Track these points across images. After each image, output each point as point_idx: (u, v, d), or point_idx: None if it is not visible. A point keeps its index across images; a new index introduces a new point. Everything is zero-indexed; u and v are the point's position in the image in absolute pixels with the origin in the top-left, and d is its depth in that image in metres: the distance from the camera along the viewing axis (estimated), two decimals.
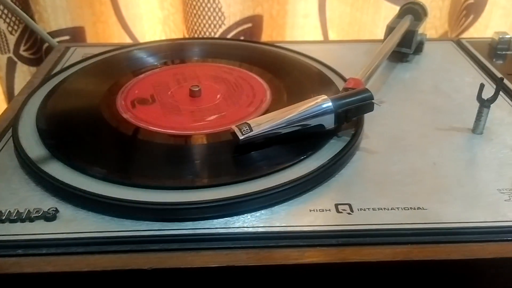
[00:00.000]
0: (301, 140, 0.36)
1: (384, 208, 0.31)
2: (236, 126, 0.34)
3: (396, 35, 0.48)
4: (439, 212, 0.31)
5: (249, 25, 0.68)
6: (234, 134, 0.34)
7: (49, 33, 0.66)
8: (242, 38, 0.68)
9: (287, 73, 0.47)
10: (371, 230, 0.30)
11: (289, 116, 0.34)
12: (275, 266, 0.28)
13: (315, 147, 0.35)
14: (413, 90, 0.46)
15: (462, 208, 0.31)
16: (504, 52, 0.53)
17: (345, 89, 0.38)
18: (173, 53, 0.51)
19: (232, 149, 0.35)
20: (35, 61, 0.72)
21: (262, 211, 0.31)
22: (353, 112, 0.36)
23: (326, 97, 0.35)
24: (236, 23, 0.67)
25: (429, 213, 0.31)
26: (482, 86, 0.38)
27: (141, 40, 0.78)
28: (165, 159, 0.35)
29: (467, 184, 0.34)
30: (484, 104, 0.38)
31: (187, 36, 0.71)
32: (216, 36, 0.67)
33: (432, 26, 0.73)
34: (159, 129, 0.37)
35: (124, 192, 0.31)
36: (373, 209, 0.31)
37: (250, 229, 0.30)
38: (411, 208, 0.32)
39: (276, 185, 0.31)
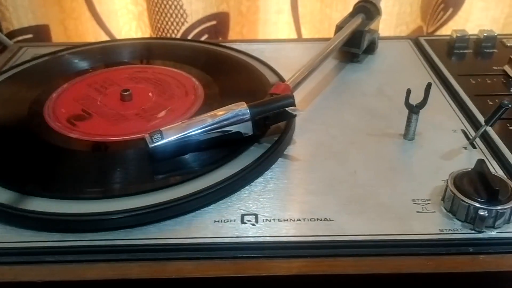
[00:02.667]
0: (221, 146, 0.35)
1: (290, 219, 0.31)
2: (148, 133, 0.34)
3: (340, 35, 0.47)
4: (344, 224, 0.30)
5: (213, 22, 0.68)
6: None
7: (12, 32, 0.66)
8: (206, 36, 0.68)
9: (217, 69, 0.46)
10: (269, 242, 0.29)
11: (203, 124, 0.34)
12: (167, 280, 0.28)
13: (232, 154, 0.35)
14: (355, 92, 0.45)
15: (369, 220, 0.31)
16: (462, 51, 0.52)
17: (270, 95, 0.37)
18: (82, 60, 0.49)
19: (147, 157, 0.34)
20: None
21: (167, 222, 0.31)
22: (272, 119, 0.35)
23: (244, 104, 0.35)
24: (199, 21, 0.66)
25: (334, 225, 0.30)
26: (409, 91, 0.36)
27: (117, 36, 0.78)
28: (81, 170, 0.35)
29: (382, 194, 0.33)
30: (413, 110, 0.37)
31: (153, 35, 0.71)
32: (179, 34, 0.66)
33: (403, 22, 0.71)
34: (120, 138, 0.37)
35: (23, 202, 0.31)
36: (279, 220, 0.31)
37: (148, 241, 0.29)
38: (317, 219, 0.31)
39: (177, 198, 0.31)
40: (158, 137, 0.33)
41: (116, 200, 0.31)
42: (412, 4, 0.70)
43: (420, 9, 0.73)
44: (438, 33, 0.80)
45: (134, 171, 0.34)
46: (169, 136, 0.33)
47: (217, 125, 0.34)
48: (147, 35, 0.75)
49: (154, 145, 0.33)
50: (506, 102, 0.33)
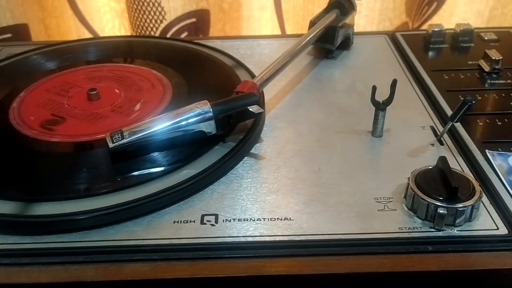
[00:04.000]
0: (185, 145, 0.35)
1: (250, 219, 0.31)
2: (109, 133, 0.33)
3: (313, 31, 0.46)
4: (304, 224, 0.30)
5: (193, 20, 0.67)
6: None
7: None
8: (186, 33, 0.67)
9: (184, 64, 0.46)
10: (227, 243, 0.29)
11: (165, 124, 0.33)
12: (122, 282, 0.28)
13: (195, 154, 0.34)
14: (327, 89, 0.45)
15: (330, 219, 0.30)
16: (438, 46, 0.51)
17: (236, 93, 0.37)
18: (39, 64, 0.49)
19: (108, 157, 0.34)
20: None
21: (126, 223, 0.30)
22: (235, 117, 0.35)
23: (207, 102, 0.34)
24: (178, 18, 0.66)
25: (294, 224, 0.30)
26: (374, 88, 0.36)
27: (101, 34, 0.77)
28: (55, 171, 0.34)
29: (345, 193, 0.32)
30: (380, 107, 0.37)
31: (133, 33, 0.70)
32: (158, 32, 0.66)
33: (386, 18, 0.70)
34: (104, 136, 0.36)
35: None
36: (239, 220, 0.31)
37: (105, 243, 0.29)
38: (277, 219, 0.31)
39: (135, 199, 0.30)
40: (118, 137, 0.33)
41: (74, 202, 0.31)
42: (395, 0, 0.70)
43: (405, 5, 0.72)
44: (423, 28, 0.79)
45: (94, 171, 0.34)
46: (130, 136, 0.33)
47: (179, 124, 0.34)
48: (130, 33, 0.75)
49: (114, 145, 0.33)
50: (469, 98, 0.33)
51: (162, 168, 0.33)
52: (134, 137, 0.33)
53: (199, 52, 0.49)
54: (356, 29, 0.71)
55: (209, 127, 0.34)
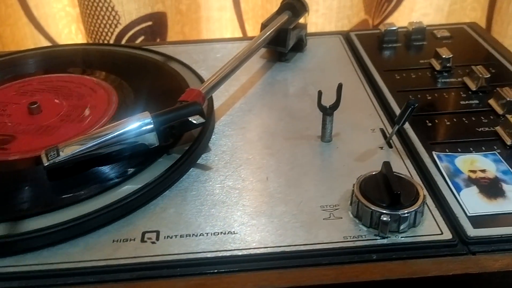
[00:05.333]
0: (126, 159, 0.34)
1: (193, 235, 0.30)
2: (45, 150, 0.32)
3: (263, 34, 0.46)
4: (248, 237, 0.29)
5: (149, 23, 0.65)
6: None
7: None
8: (142, 38, 0.66)
9: (127, 71, 0.45)
10: (167, 261, 0.28)
11: (102, 138, 0.32)
12: None
13: (137, 168, 0.33)
14: (279, 93, 0.44)
15: (274, 230, 0.30)
16: (391, 45, 0.51)
17: (180, 102, 0.36)
18: None
19: (45, 175, 0.33)
20: None
21: (62, 245, 0.29)
22: (178, 128, 0.34)
23: (147, 114, 0.33)
24: (133, 22, 0.64)
25: (238, 238, 0.29)
26: (320, 93, 0.36)
27: (57, 40, 0.75)
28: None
29: (291, 202, 0.32)
30: (327, 112, 0.36)
31: (88, 38, 0.68)
32: (113, 37, 0.64)
33: (344, 16, 0.70)
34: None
35: None
36: (181, 236, 0.30)
37: (39, 267, 0.28)
38: (221, 233, 0.30)
39: (71, 219, 0.29)
40: (54, 154, 0.31)
41: (6, 224, 0.29)
42: None
43: (363, 2, 0.72)
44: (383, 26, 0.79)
45: (29, 191, 0.32)
46: (66, 153, 0.32)
47: (119, 138, 0.32)
48: (86, 39, 0.73)
49: (49, 163, 0.31)
50: (412, 101, 0.33)
51: (101, 185, 0.32)
52: (71, 153, 0.32)
53: (144, 57, 0.48)
54: (314, 28, 0.71)
55: (151, 139, 0.33)
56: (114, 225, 0.30)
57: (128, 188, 0.32)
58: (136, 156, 0.34)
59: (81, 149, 0.32)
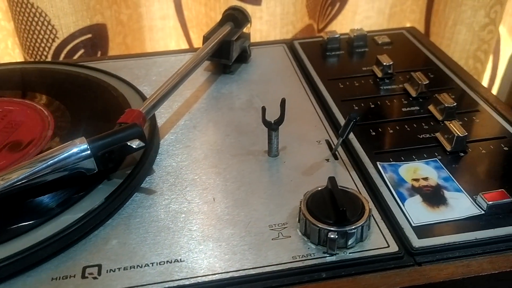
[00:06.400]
0: (63, 187, 0.32)
1: (137, 266, 0.28)
2: None
3: (206, 47, 0.45)
4: (195, 264, 0.28)
5: (89, 36, 0.63)
6: None
7: None
8: (82, 51, 0.63)
9: (60, 90, 0.43)
10: None
11: (35, 169, 0.30)
12: None
13: (75, 197, 0.31)
14: (224, 107, 0.43)
15: (222, 255, 0.29)
16: (334, 53, 0.51)
17: (119, 124, 0.35)
18: None
19: None
20: None
21: None
22: (117, 153, 0.32)
23: (83, 139, 0.32)
24: (71, 36, 0.61)
25: (185, 266, 0.28)
26: (264, 109, 0.35)
27: None
28: None
29: (239, 223, 0.31)
30: (272, 127, 0.36)
31: (25, 54, 0.65)
32: (51, 51, 0.61)
33: (288, 22, 0.70)
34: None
35: None
36: (125, 268, 0.28)
37: None
38: (167, 262, 0.29)
39: (1, 258, 0.27)
40: None
41: None
42: (296, 3, 0.69)
43: (306, 8, 0.72)
44: (329, 28, 0.80)
45: None
46: None
47: (54, 166, 0.30)
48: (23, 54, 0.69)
49: None
50: (353, 114, 0.33)
51: (36, 218, 0.30)
52: (1, 186, 0.30)
53: (82, 75, 0.45)
54: (259, 35, 0.71)
55: (89, 165, 0.32)
56: (53, 261, 0.29)
57: (65, 219, 0.30)
58: (74, 184, 0.32)
59: (13, 181, 0.30)
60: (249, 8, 0.67)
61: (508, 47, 0.83)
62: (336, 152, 0.37)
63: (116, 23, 0.68)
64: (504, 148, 0.37)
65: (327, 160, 0.36)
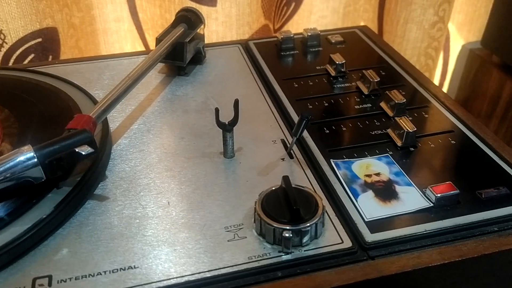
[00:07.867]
0: (10, 197, 0.31)
1: (89, 275, 0.28)
2: None
3: (158, 50, 0.44)
4: (149, 270, 0.28)
5: (39, 40, 0.61)
6: None
7: None
8: (32, 55, 0.61)
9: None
10: None
11: None
12: None
13: (23, 207, 0.30)
14: (179, 110, 0.43)
15: (177, 259, 0.29)
16: (289, 53, 0.52)
17: (68, 130, 0.34)
18: None
19: None
20: None
21: None
22: (66, 160, 0.31)
23: (29, 147, 0.30)
24: (20, 40, 0.59)
25: (139, 272, 0.28)
26: (217, 110, 0.35)
27: None
28: None
29: (195, 226, 0.31)
30: (226, 128, 0.36)
31: None
32: None
33: (244, 23, 0.70)
34: None
35: None
36: (76, 278, 0.28)
37: None
38: (120, 269, 0.28)
39: None
40: None
41: None
42: (251, 4, 0.70)
43: (261, 8, 0.73)
44: (285, 28, 0.81)
45: None
46: None
47: None
48: None
49: None
50: (305, 113, 0.33)
51: None
52: None
53: (31, 81, 0.44)
54: (215, 36, 0.70)
55: (36, 174, 0.30)
56: (2, 274, 0.28)
57: (13, 230, 0.29)
58: (22, 193, 0.31)
59: None
60: (204, 9, 0.67)
61: (457, 43, 0.86)
62: (291, 151, 0.37)
63: (67, 26, 0.66)
64: (452, 141, 0.38)
65: (283, 159, 0.37)
